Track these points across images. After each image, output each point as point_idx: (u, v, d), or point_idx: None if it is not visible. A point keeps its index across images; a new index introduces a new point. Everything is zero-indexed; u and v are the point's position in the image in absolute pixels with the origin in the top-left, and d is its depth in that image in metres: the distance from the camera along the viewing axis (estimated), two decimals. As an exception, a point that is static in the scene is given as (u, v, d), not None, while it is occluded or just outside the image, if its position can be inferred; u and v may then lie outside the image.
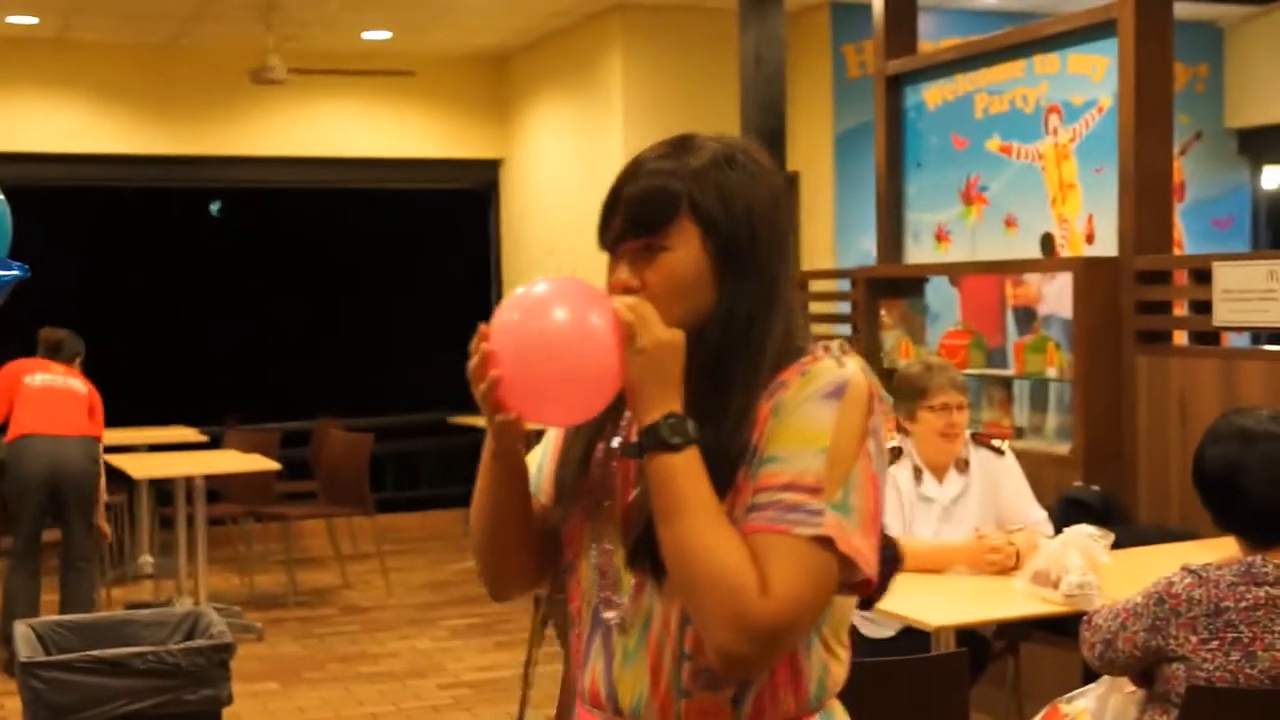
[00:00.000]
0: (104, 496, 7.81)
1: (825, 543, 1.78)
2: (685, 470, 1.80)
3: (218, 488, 8.96)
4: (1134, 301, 6.00)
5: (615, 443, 1.99)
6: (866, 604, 2.13)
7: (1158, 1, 6.03)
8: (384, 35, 10.73)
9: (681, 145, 1.97)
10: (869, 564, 1.83)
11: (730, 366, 1.89)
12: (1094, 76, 6.51)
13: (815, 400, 1.84)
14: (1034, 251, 6.94)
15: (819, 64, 10.12)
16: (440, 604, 9.05)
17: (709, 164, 1.93)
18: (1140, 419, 5.93)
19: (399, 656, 7.78)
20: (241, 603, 8.82)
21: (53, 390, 7.67)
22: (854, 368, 1.88)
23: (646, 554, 1.87)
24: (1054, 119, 6.77)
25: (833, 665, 1.95)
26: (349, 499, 9.28)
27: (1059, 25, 6.67)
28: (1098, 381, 6.02)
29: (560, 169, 11.08)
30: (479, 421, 11.23)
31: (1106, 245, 6.37)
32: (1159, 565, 3.65)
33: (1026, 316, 6.95)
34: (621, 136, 10.08)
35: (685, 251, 1.90)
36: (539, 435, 2.13)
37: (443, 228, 12.66)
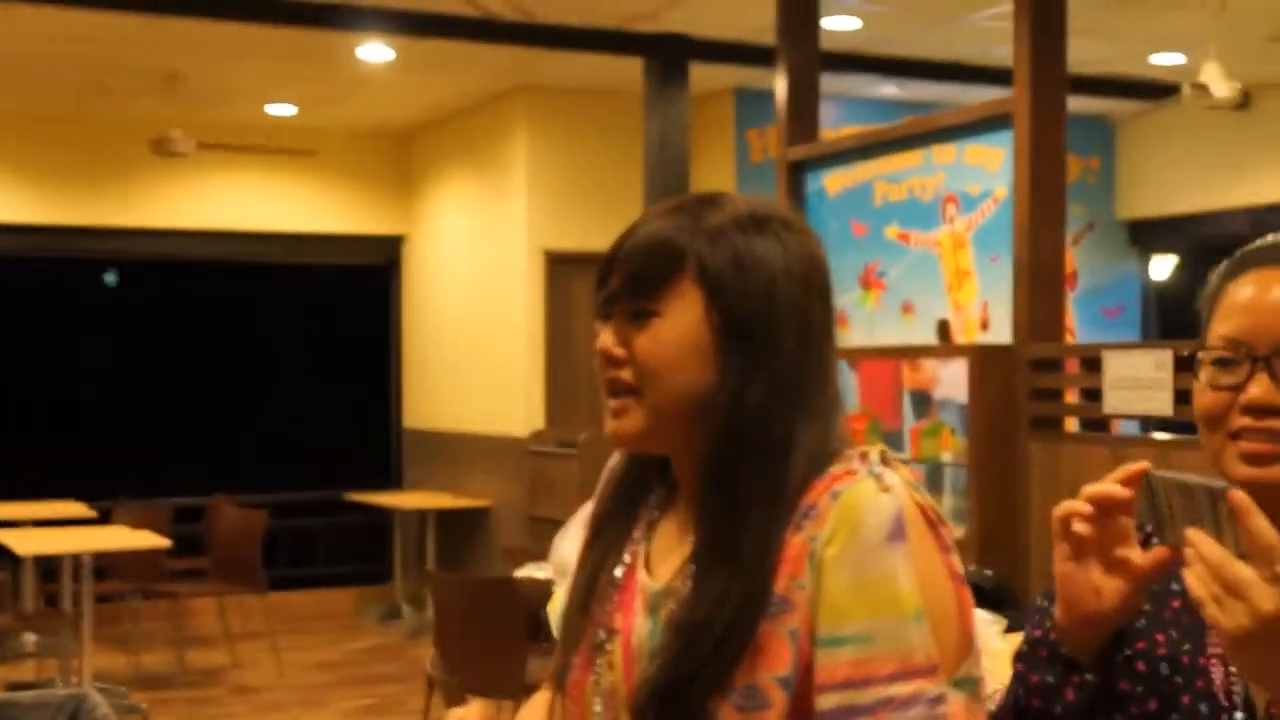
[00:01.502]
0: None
1: None
2: None
3: (106, 564, 8.81)
4: (1028, 388, 6.09)
5: (618, 572, 1.68)
6: None
7: (1052, 95, 6.16)
8: (289, 110, 10.71)
9: (704, 200, 1.65)
10: None
11: (743, 475, 1.55)
12: (990, 167, 6.63)
13: (879, 548, 1.47)
14: (930, 337, 7.02)
15: (722, 147, 10.23)
16: (333, 684, 8.94)
17: (730, 222, 1.60)
18: (1033, 503, 6.00)
19: (288, 738, 7.68)
20: (127, 683, 8.65)
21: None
22: (900, 488, 1.51)
23: None
24: (951, 208, 6.88)
25: None
26: (241, 576, 9.16)
27: (957, 117, 6.80)
28: (992, 466, 6.09)
29: (463, 246, 11.09)
30: (375, 499, 11.18)
31: (1001, 332, 6.47)
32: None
33: (922, 401, 7.02)
34: (525, 216, 10.13)
35: (684, 319, 1.58)
36: None
37: (344, 303, 12.62)
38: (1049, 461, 5.96)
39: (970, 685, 1.49)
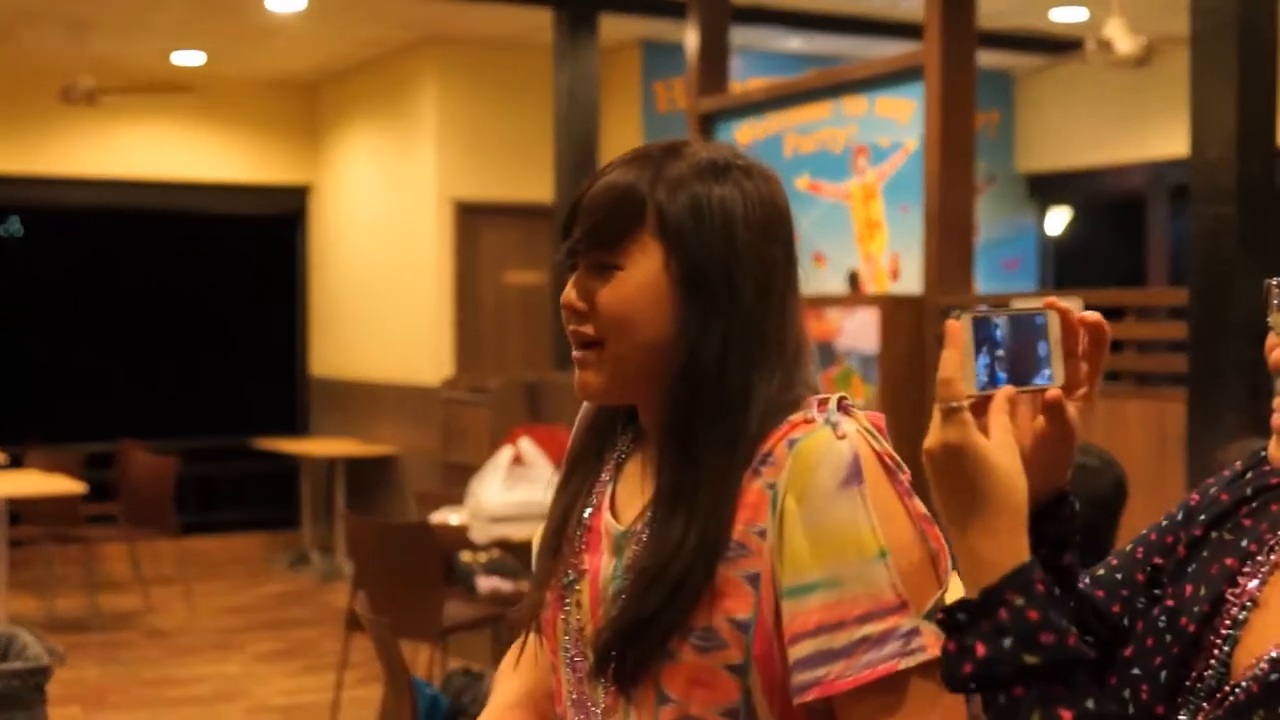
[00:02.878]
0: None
1: (931, 665, 1.46)
2: None
3: (18, 509, 8.80)
4: (937, 337, 6.26)
5: (586, 514, 1.70)
6: None
7: (962, 48, 6.32)
8: (198, 58, 10.65)
9: (667, 149, 1.63)
10: None
11: (700, 425, 1.57)
12: (901, 119, 6.78)
13: (837, 495, 1.50)
14: (841, 287, 7.19)
15: (629, 99, 10.32)
16: (245, 628, 9.00)
17: (690, 171, 1.60)
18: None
19: (205, 681, 7.73)
20: (41, 626, 8.66)
21: None
22: (855, 435, 1.54)
23: (613, 672, 1.59)
24: (861, 159, 7.04)
25: None
26: (152, 521, 9.18)
27: (868, 69, 6.95)
28: (902, 413, 6.25)
29: (371, 196, 11.11)
30: (283, 446, 11.18)
31: (910, 282, 6.64)
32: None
33: (827, 352, 7.18)
34: (435, 167, 10.17)
35: (643, 270, 1.58)
36: None
37: (251, 252, 12.59)
38: (956, 407, 6.14)
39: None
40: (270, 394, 12.41)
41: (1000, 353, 1.33)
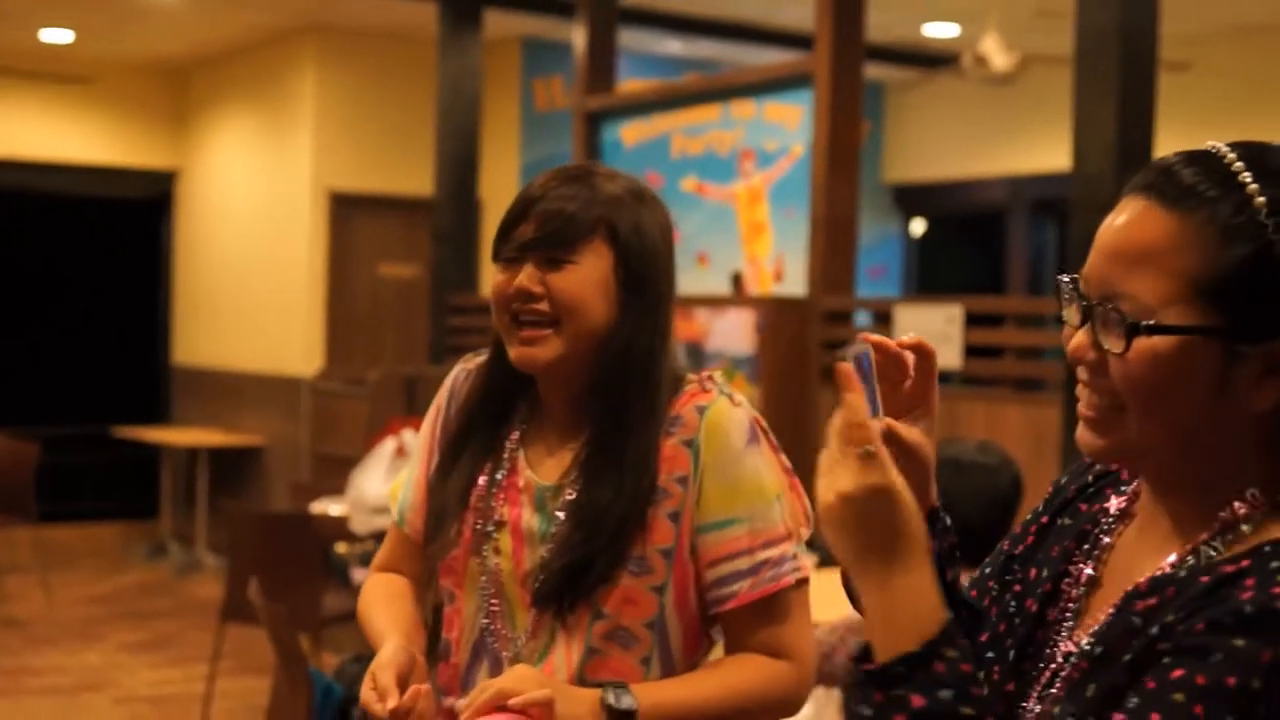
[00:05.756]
0: None
1: (805, 581, 2.01)
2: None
3: None
4: (820, 339, 6.36)
5: (499, 475, 2.06)
6: None
7: (851, 57, 6.44)
8: (66, 36, 10.45)
9: (589, 172, 2.06)
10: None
11: (629, 397, 1.99)
12: (789, 125, 6.89)
13: (744, 452, 1.97)
14: (725, 288, 7.27)
15: (508, 96, 10.33)
16: (106, 618, 8.83)
17: (625, 194, 2.04)
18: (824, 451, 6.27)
19: (66, 671, 7.58)
20: (-108, 614, 8.45)
21: None
22: (745, 402, 2.02)
23: (557, 598, 1.96)
24: (748, 163, 7.13)
25: None
26: (10, 508, 8.97)
27: (758, 74, 7.04)
28: (784, 415, 6.34)
29: (243, 183, 10.97)
30: (144, 435, 10.93)
31: (794, 284, 6.74)
32: (836, 586, 3.92)
33: (695, 354, 7.25)
34: (310, 155, 10.07)
35: (596, 268, 1.99)
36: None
37: (114, 237, 12.33)
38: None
39: (806, 547, 2.02)
40: (132, 381, 12.19)
41: (870, 386, 1.37)
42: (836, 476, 1.28)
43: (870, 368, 1.38)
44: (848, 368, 1.32)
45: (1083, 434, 1.36)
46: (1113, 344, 1.29)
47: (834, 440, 1.30)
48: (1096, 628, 1.32)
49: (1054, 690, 1.34)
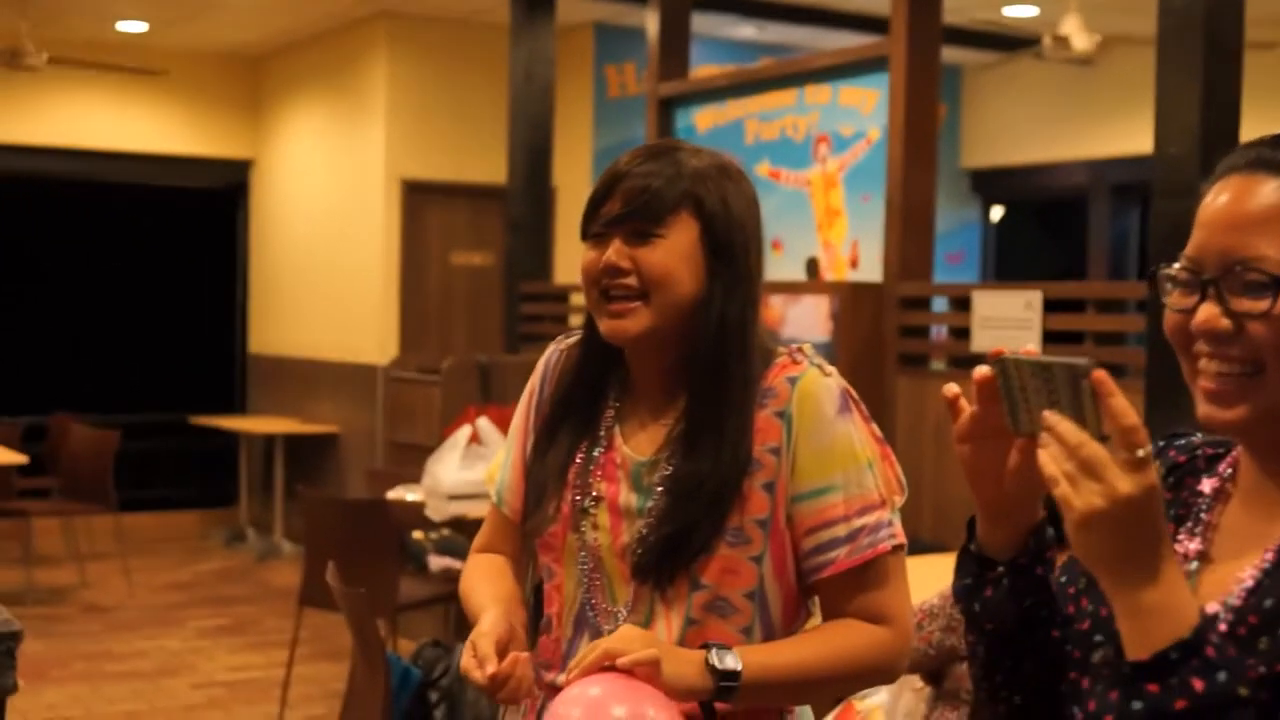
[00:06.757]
0: None
1: (902, 547, 2.03)
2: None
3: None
4: (896, 326, 6.30)
5: (596, 452, 2.08)
6: None
7: (927, 41, 6.36)
8: (140, 27, 10.53)
9: (673, 148, 2.07)
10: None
11: (726, 368, 2.00)
12: (863, 109, 6.81)
13: (836, 420, 1.98)
14: (800, 274, 7.21)
15: (581, 82, 10.30)
16: (186, 604, 8.91)
17: (710, 168, 2.04)
18: (899, 438, 6.22)
19: (147, 656, 7.65)
20: (-25, 600, 8.52)
21: None
22: (835, 373, 2.03)
23: (656, 570, 1.99)
24: (823, 148, 7.06)
25: None
26: (92, 496, 9.06)
27: (833, 59, 6.97)
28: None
29: (317, 172, 11.01)
30: (220, 423, 11.04)
31: (869, 271, 6.68)
32: (919, 573, 3.88)
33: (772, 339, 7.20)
34: (383, 144, 10.09)
35: (683, 241, 2.00)
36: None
37: (190, 227, 12.43)
38: (915, 397, 6.18)
39: (895, 508, 2.01)
40: (208, 370, 12.28)
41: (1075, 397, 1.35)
42: (1109, 481, 1.28)
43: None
44: (1103, 376, 1.30)
45: (1207, 409, 1.41)
46: (1252, 306, 1.36)
47: (1084, 446, 1.29)
48: (1248, 586, 1.37)
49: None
